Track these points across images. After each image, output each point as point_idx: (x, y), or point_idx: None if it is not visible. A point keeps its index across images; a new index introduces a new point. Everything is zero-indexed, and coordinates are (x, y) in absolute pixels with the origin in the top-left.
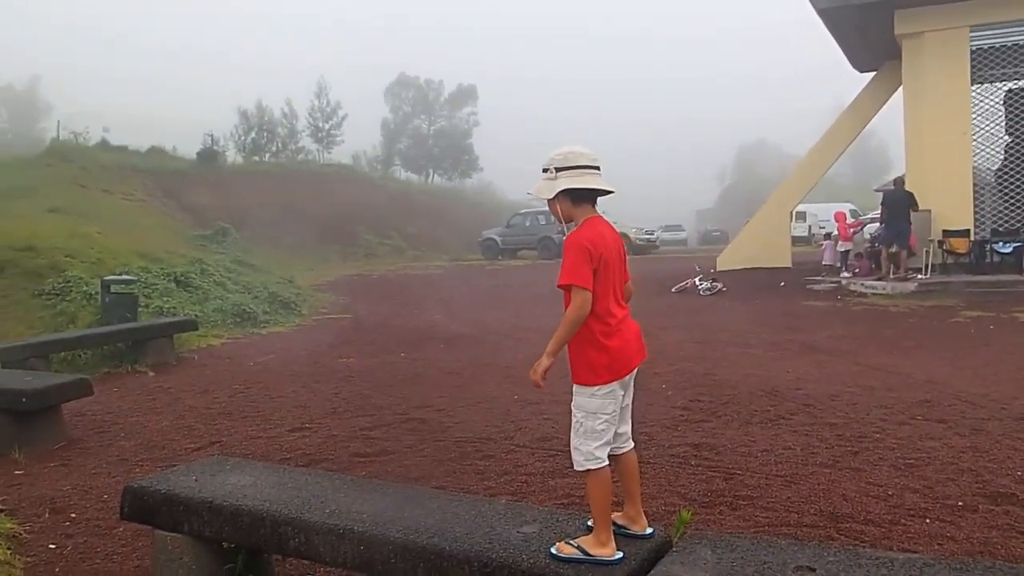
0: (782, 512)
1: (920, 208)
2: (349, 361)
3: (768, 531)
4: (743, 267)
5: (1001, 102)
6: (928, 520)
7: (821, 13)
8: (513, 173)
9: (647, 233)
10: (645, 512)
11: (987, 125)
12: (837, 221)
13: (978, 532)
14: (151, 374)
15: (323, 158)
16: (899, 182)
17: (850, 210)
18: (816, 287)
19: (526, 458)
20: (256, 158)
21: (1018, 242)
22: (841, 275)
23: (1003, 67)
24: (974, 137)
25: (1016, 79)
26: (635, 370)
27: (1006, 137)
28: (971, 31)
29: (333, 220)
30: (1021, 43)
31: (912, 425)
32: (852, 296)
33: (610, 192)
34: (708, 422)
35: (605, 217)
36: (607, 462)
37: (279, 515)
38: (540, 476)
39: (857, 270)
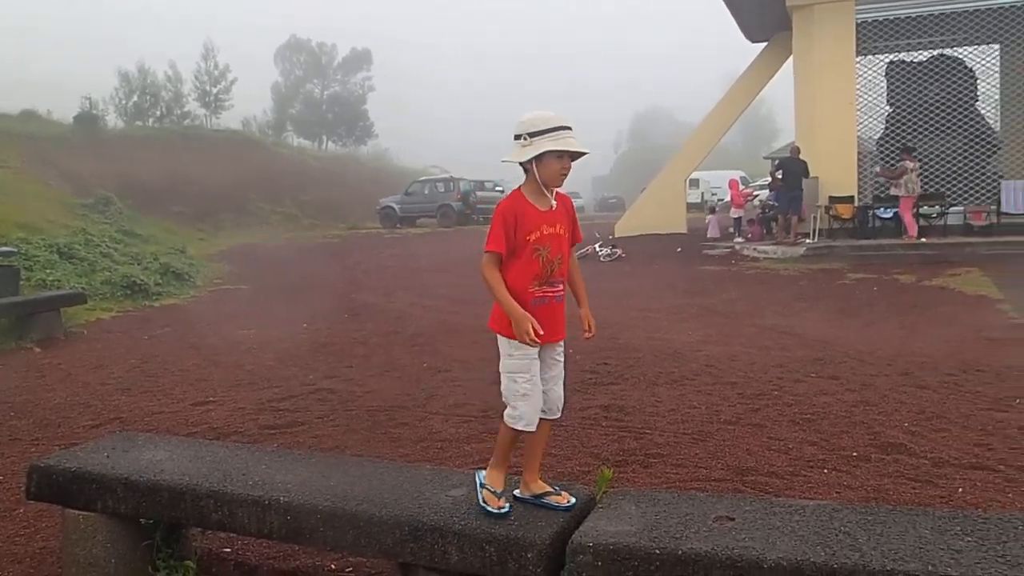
0: (692, 468)
1: (810, 175)
2: (250, 332)
3: (680, 486)
4: (640, 233)
5: (883, 74)
6: (826, 470)
7: None
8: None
9: None
10: (563, 473)
11: (870, 96)
12: (731, 188)
13: (872, 480)
14: (38, 350)
15: (211, 123)
16: (794, 150)
17: (741, 177)
18: (711, 252)
19: (440, 424)
20: (139, 123)
21: (897, 208)
22: (735, 240)
23: (885, 40)
24: (858, 107)
25: (897, 52)
26: None
27: (887, 107)
28: (857, 4)
29: (223, 188)
30: (902, 17)
31: (807, 382)
32: (745, 260)
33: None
34: (616, 384)
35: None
36: None
37: (200, 488)
38: (455, 442)
39: (750, 235)
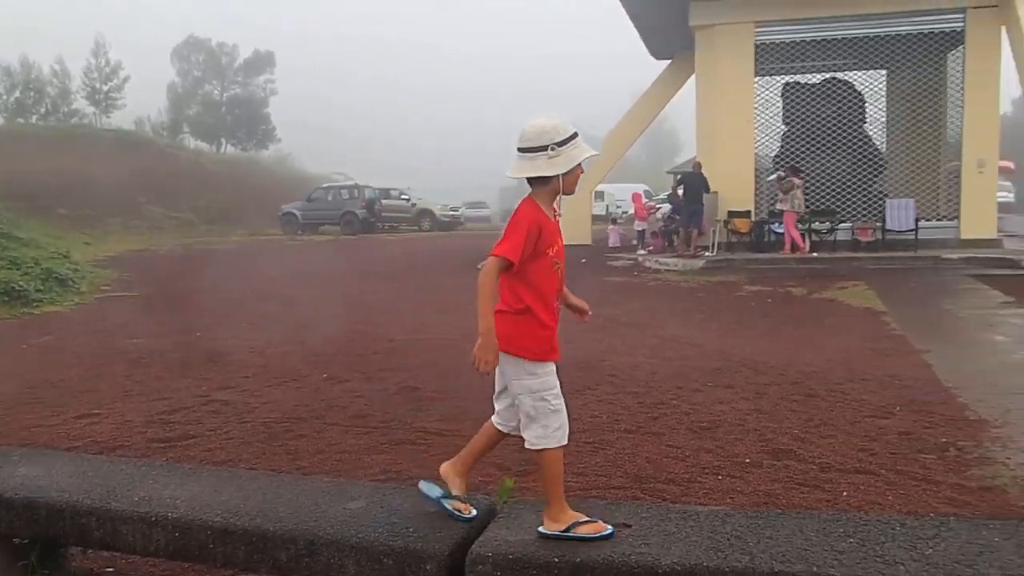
0: (592, 476)
1: (710, 191)
2: (139, 342)
3: (580, 495)
4: None
5: (779, 94)
6: (721, 476)
7: (624, 1)
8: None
9: (452, 210)
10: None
11: (768, 115)
12: (634, 202)
13: (763, 485)
14: None
15: (101, 123)
16: (696, 165)
17: (644, 191)
18: (615, 264)
19: (339, 436)
20: (21, 120)
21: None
22: (638, 252)
23: (782, 62)
24: (756, 126)
25: (793, 73)
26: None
27: (783, 126)
28: (756, 27)
29: (113, 190)
30: (797, 41)
31: (704, 391)
32: (648, 272)
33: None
34: None
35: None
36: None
37: (80, 505)
38: (355, 453)
39: (652, 247)
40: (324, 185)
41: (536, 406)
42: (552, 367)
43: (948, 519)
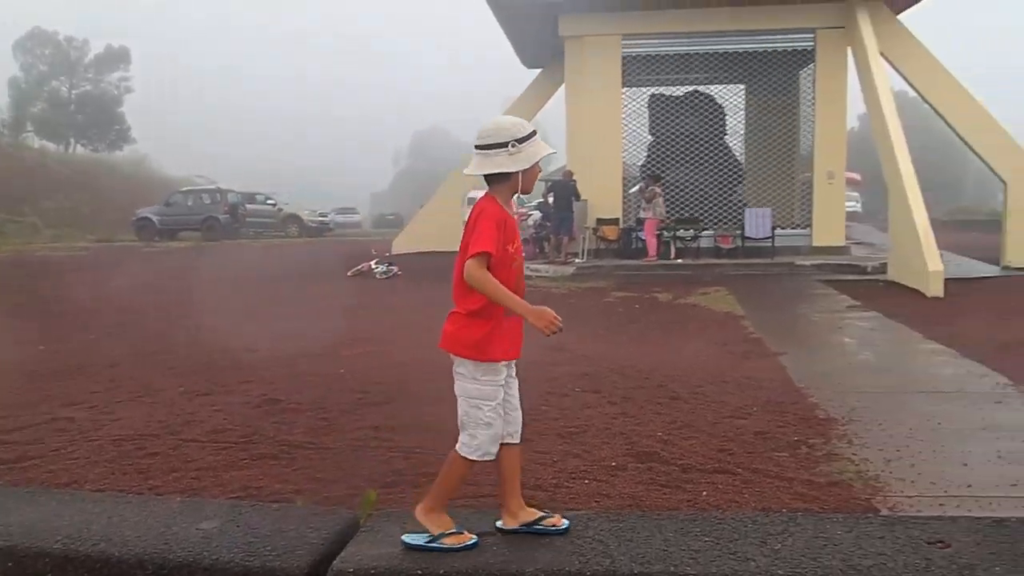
0: (460, 486)
1: (580, 198)
2: None
3: (456, 504)
4: (418, 251)
5: (646, 105)
6: (587, 481)
7: (492, 6)
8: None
9: (320, 215)
10: (330, 498)
11: (636, 125)
12: None
13: (628, 488)
14: None
15: None
16: (566, 173)
17: (516, 198)
18: None
19: (196, 452)
20: None
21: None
22: None
23: (648, 74)
24: (624, 136)
25: (659, 85)
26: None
27: (649, 137)
28: (623, 39)
29: None
30: (663, 54)
31: (572, 396)
32: None
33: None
34: (388, 404)
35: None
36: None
37: None
38: (212, 470)
39: (523, 254)
40: (184, 189)
41: (468, 412)
42: (498, 377)
43: (796, 515)
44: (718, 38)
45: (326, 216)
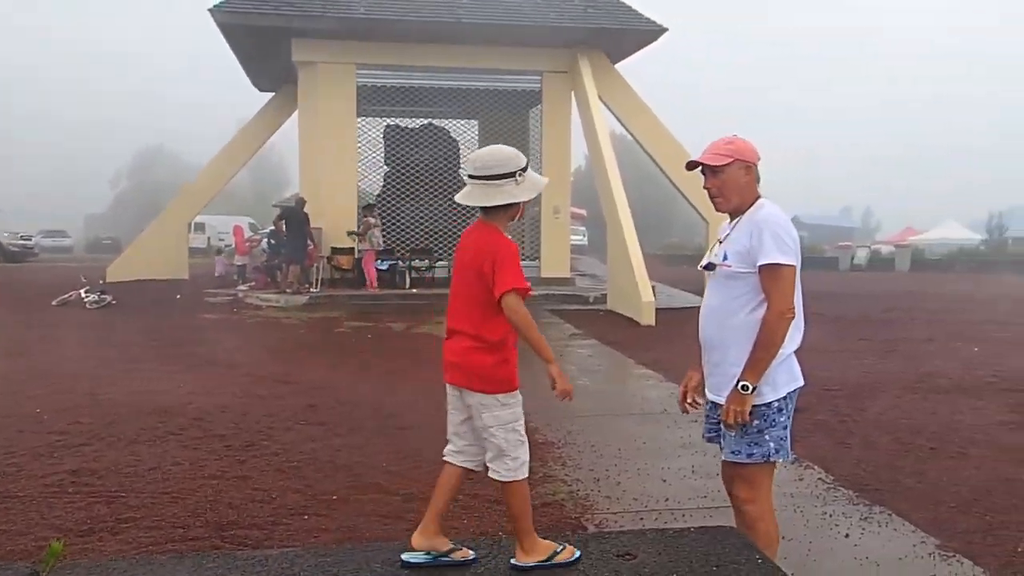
0: (168, 529)
1: (313, 226)
2: None
3: (152, 550)
4: (138, 279)
5: (382, 135)
6: (307, 516)
7: (222, 28)
8: None
9: (23, 238)
10: (14, 551)
11: (375, 154)
12: (235, 235)
13: (349, 521)
14: None
15: None
16: (299, 200)
17: (249, 224)
18: (213, 300)
19: None
20: None
21: (393, 260)
22: (238, 288)
23: (384, 104)
24: (363, 164)
25: (396, 116)
26: (455, 388)
27: (386, 167)
28: (358, 69)
29: None
30: (398, 86)
31: (296, 430)
32: (248, 309)
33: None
34: (89, 445)
35: None
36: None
37: None
38: None
39: (254, 283)
40: None
41: (508, 438)
42: (520, 398)
43: (501, 537)
44: (452, 74)
45: (30, 239)
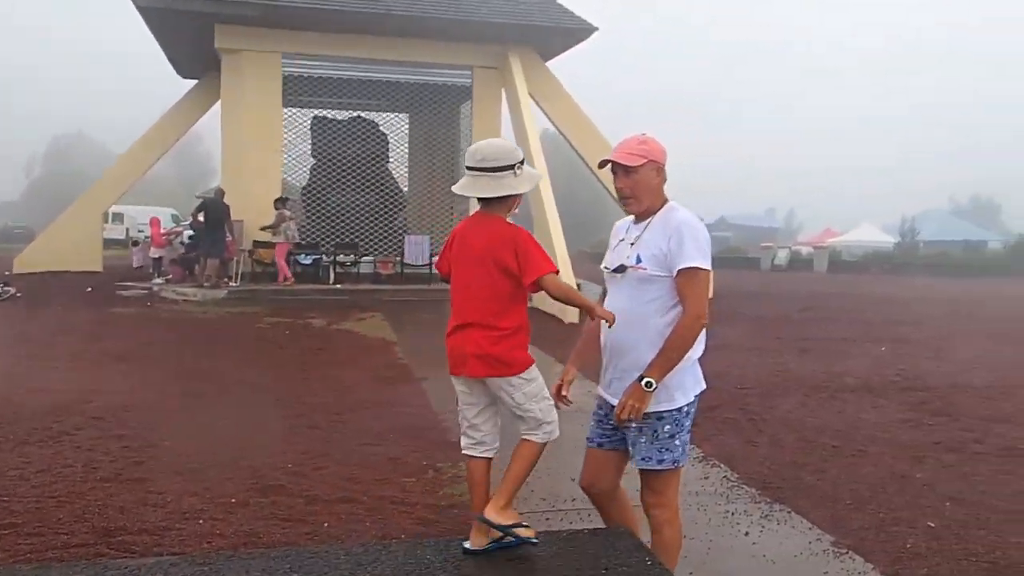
0: (50, 535)
1: (234, 219)
2: None
3: (31, 558)
4: (48, 270)
5: (310, 127)
6: (202, 520)
7: (142, 12)
8: None
9: None
10: None
11: (304, 146)
12: (151, 226)
13: (247, 524)
14: None
15: None
16: (219, 191)
17: (172, 215)
18: (127, 293)
19: None
20: None
21: (317, 255)
22: (154, 281)
23: (311, 95)
24: (293, 156)
25: (324, 108)
26: (471, 380)
27: (313, 159)
28: (284, 57)
29: None
30: (325, 77)
31: (202, 429)
32: (164, 303)
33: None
34: None
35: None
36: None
37: None
38: None
39: (171, 276)
40: None
41: (541, 407)
42: (536, 368)
43: (391, 543)
44: (381, 66)
45: None
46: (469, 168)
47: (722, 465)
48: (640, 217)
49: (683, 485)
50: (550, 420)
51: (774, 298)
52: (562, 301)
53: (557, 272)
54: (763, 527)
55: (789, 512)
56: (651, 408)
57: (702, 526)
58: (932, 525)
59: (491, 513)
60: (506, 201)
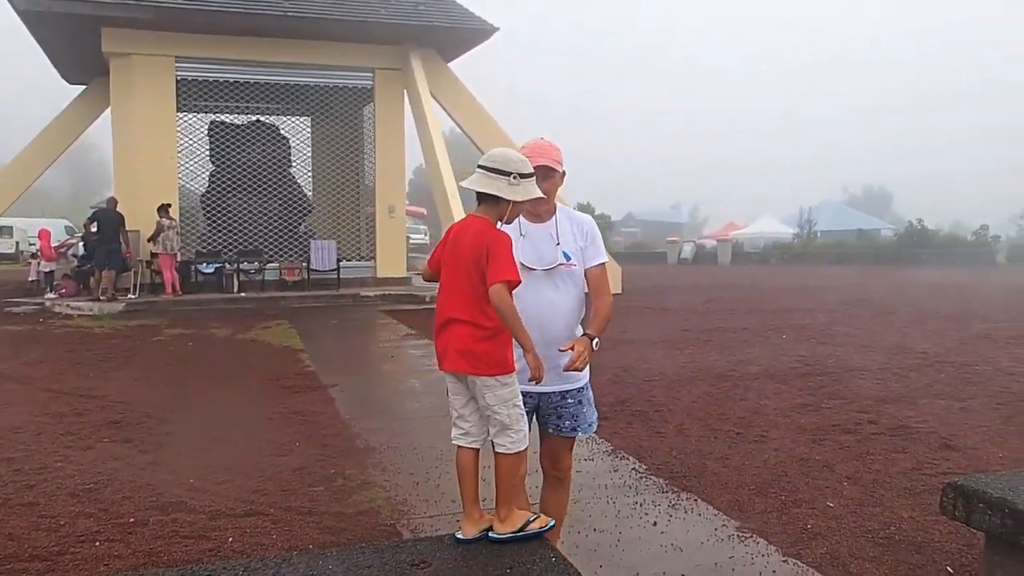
0: None
1: (129, 229)
2: None
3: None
4: None
5: (207, 132)
6: (98, 543)
7: (22, 16)
8: None
9: None
10: None
11: (201, 151)
12: (41, 239)
13: (145, 544)
14: None
15: None
16: (111, 201)
17: (66, 227)
18: (16, 310)
19: None
20: None
21: (219, 263)
22: (46, 296)
23: (208, 100)
24: (191, 163)
25: (221, 112)
26: (458, 375)
27: (211, 165)
28: (177, 61)
29: None
30: (221, 81)
31: (97, 448)
32: (57, 318)
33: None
34: None
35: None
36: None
37: None
38: None
39: (64, 291)
40: None
41: (510, 414)
42: (515, 375)
43: (292, 554)
44: (280, 69)
45: None
46: (477, 167)
47: (630, 458)
48: (541, 217)
49: (592, 479)
50: (518, 428)
51: (680, 291)
52: (499, 318)
53: (517, 283)
54: (671, 516)
55: (696, 500)
56: (580, 381)
57: (611, 519)
58: (831, 505)
59: (497, 528)
60: (497, 206)
